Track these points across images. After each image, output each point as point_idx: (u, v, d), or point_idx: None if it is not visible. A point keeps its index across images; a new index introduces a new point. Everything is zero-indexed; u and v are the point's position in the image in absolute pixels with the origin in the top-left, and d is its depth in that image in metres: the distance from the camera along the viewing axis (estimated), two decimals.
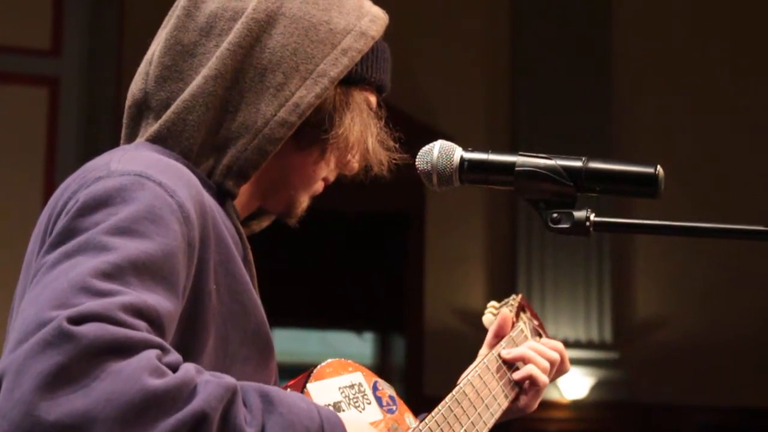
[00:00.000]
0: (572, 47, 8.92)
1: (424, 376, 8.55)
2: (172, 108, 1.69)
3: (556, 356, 2.13)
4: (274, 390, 1.46)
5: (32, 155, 7.14)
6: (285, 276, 8.59)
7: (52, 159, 7.12)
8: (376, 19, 1.82)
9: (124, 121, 1.78)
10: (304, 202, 1.84)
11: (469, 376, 1.96)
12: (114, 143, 1.79)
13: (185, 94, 1.70)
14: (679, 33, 9.29)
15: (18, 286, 1.63)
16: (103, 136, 7.09)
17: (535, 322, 2.34)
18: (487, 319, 2.25)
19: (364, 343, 10.80)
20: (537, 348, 2.11)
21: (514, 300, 2.31)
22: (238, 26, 1.72)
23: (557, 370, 2.16)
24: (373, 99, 1.85)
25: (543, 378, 2.09)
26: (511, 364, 2.10)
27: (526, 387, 2.10)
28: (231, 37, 1.71)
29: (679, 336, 8.97)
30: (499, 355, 2.08)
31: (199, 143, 1.68)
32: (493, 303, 2.29)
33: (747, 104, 9.21)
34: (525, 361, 2.09)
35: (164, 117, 1.69)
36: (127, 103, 1.78)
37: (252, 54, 1.71)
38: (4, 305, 1.59)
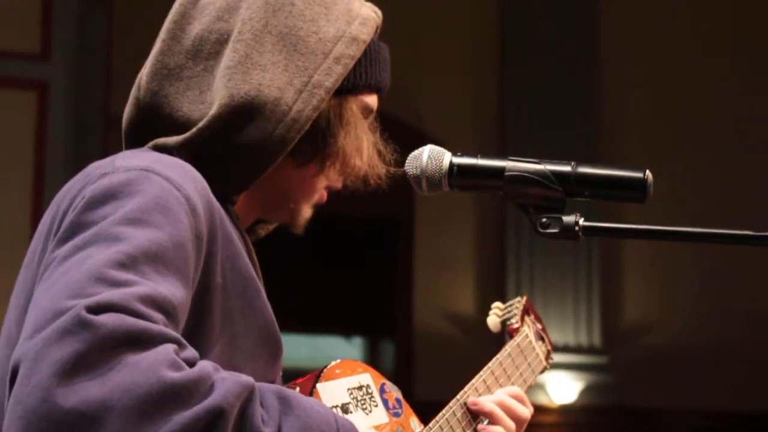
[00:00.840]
0: (560, 51, 8.93)
1: (413, 381, 8.54)
2: (175, 137, 1.68)
3: (524, 412, 2.00)
4: (292, 393, 1.46)
5: (21, 159, 7.12)
6: (274, 281, 8.56)
7: (40, 163, 7.10)
8: (367, 21, 1.79)
9: (125, 143, 1.77)
10: (306, 212, 1.83)
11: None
12: (103, 147, 1.79)
13: (176, 119, 1.69)
14: (667, 34, 9.30)
15: (16, 287, 1.62)
16: (92, 140, 7.07)
17: (539, 326, 2.32)
18: (492, 320, 2.22)
19: (353, 348, 10.79)
20: (505, 403, 1.98)
21: (519, 302, 2.28)
22: (227, 51, 1.70)
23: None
24: (371, 100, 1.83)
25: None
26: (476, 415, 1.97)
27: None
28: (219, 61, 1.70)
29: (667, 340, 8.98)
30: (464, 403, 1.96)
31: (197, 161, 1.66)
32: (497, 304, 2.26)
33: (736, 106, 9.22)
34: (491, 419, 1.97)
35: (165, 139, 1.69)
36: (124, 129, 1.77)
37: (245, 74, 1.68)
38: None
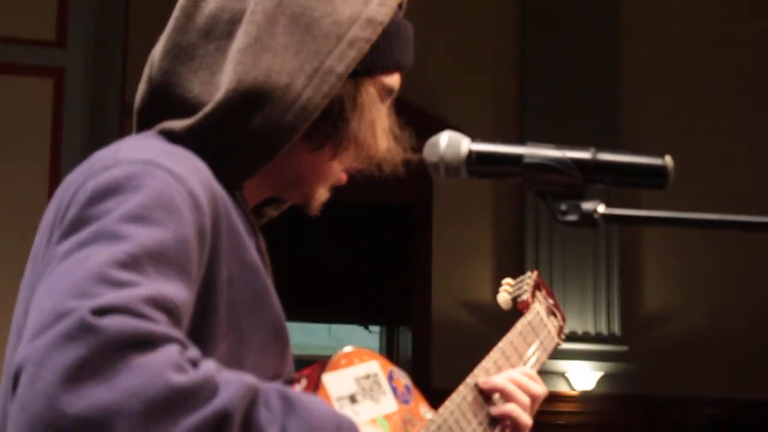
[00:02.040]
0: (580, 38, 8.90)
1: (431, 369, 8.53)
2: (183, 120, 1.65)
3: (539, 390, 1.96)
4: (296, 393, 1.44)
5: (37, 146, 7.14)
6: (291, 268, 8.56)
7: (57, 150, 7.12)
8: (386, 1, 1.73)
9: (134, 124, 1.74)
10: (322, 194, 1.80)
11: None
12: (120, 133, 1.76)
13: (188, 100, 1.66)
14: (687, 25, 9.27)
15: (24, 278, 1.60)
16: (108, 126, 7.09)
17: (551, 301, 2.27)
18: (502, 297, 2.18)
19: (371, 336, 10.79)
20: (517, 380, 1.94)
21: (530, 278, 2.24)
22: (239, 32, 1.67)
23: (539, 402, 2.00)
24: (391, 80, 1.78)
25: (524, 419, 1.92)
26: (489, 396, 1.93)
27: (507, 426, 1.93)
28: (232, 42, 1.67)
29: (687, 328, 8.96)
30: (476, 384, 1.92)
31: (203, 147, 1.64)
32: (508, 280, 2.22)
33: (756, 98, 9.18)
34: (504, 395, 1.93)
35: (173, 123, 1.66)
36: (135, 107, 1.74)
37: (255, 58, 1.65)
38: (11, 296, 1.58)
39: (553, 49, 8.91)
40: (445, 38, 8.88)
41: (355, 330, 11.02)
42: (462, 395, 1.87)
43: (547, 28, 8.95)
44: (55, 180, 6.88)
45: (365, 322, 10.82)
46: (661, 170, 1.58)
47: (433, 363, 8.61)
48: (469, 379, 1.90)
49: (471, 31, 9.08)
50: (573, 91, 8.81)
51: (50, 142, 7.13)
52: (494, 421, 1.91)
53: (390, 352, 10.02)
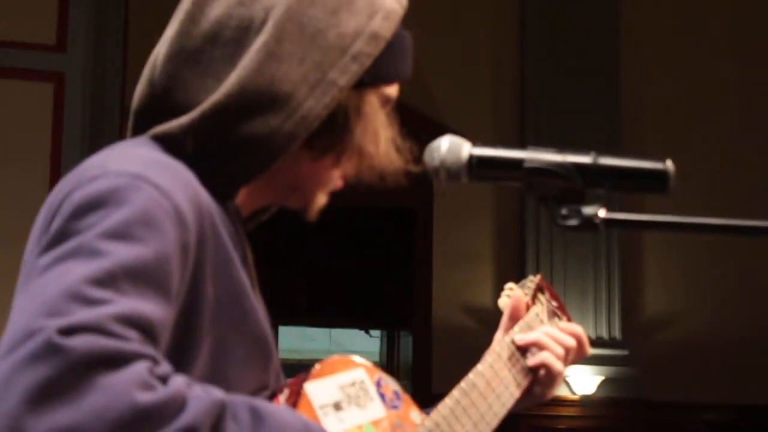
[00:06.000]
0: (581, 42, 8.90)
1: (432, 374, 8.53)
2: (180, 119, 1.65)
3: (571, 342, 2.03)
4: (265, 405, 1.45)
5: (38, 151, 7.14)
6: (291, 273, 8.57)
7: (57, 154, 7.13)
8: (390, 15, 1.73)
9: (130, 125, 1.73)
10: (320, 200, 1.80)
11: (480, 366, 1.90)
12: (119, 138, 1.75)
13: (191, 104, 1.65)
14: (688, 26, 9.27)
15: (18, 285, 1.59)
16: (108, 130, 7.11)
17: (554, 304, 2.26)
18: (503, 302, 2.18)
19: (371, 341, 10.79)
20: (552, 333, 2.02)
21: (532, 281, 2.24)
22: (245, 38, 1.67)
23: (575, 353, 2.08)
24: (391, 90, 1.78)
25: (557, 366, 2.00)
26: (524, 350, 2.01)
27: (541, 375, 2.01)
28: (237, 48, 1.67)
29: (688, 333, 8.95)
30: (512, 341, 1.99)
31: (202, 153, 1.63)
32: (510, 285, 2.23)
33: (756, 100, 9.18)
34: (539, 347, 2.00)
35: (169, 124, 1.65)
36: (133, 108, 1.73)
37: (259, 64, 1.64)
38: (10, 300, 1.58)
39: (553, 52, 8.91)
40: (445, 42, 8.88)
41: (356, 335, 11.01)
42: (455, 398, 1.85)
43: (547, 32, 8.95)
44: (55, 185, 6.89)
45: (366, 327, 10.81)
46: (662, 175, 1.58)
47: (434, 367, 8.61)
48: (463, 384, 1.88)
49: (471, 34, 9.08)
50: (573, 94, 8.81)
51: (50, 147, 7.14)
52: (529, 371, 1.99)
53: (391, 356, 10.02)
